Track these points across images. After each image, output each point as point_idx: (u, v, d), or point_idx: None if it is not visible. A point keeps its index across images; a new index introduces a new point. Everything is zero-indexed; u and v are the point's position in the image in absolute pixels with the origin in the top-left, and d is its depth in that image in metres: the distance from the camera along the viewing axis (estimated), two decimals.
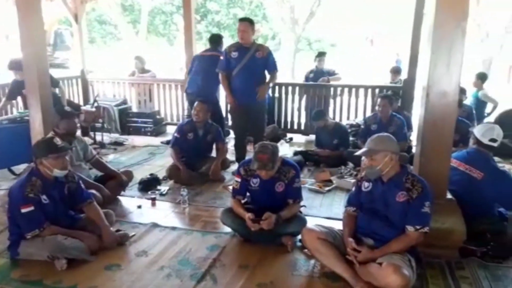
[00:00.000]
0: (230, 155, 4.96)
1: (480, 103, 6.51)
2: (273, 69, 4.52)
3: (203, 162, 4.49)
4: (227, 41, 5.02)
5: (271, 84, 4.68)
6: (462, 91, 5.77)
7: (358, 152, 2.64)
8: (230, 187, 4.21)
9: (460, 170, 3.10)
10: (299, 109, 6.81)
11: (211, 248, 2.97)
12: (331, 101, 6.64)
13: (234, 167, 4.75)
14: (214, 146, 4.67)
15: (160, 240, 3.08)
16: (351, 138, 5.61)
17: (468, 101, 6.35)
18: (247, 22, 4.36)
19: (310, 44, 26.09)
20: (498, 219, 3.07)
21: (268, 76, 4.60)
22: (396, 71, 7.57)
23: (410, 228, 2.42)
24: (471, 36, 17.96)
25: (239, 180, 3.11)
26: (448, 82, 2.63)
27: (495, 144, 3.07)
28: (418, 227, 2.41)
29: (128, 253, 2.90)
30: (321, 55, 7.19)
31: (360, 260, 2.46)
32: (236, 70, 4.42)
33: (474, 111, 5.96)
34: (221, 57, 4.53)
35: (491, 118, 6.19)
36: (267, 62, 4.45)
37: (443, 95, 2.67)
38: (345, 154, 4.96)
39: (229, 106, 4.73)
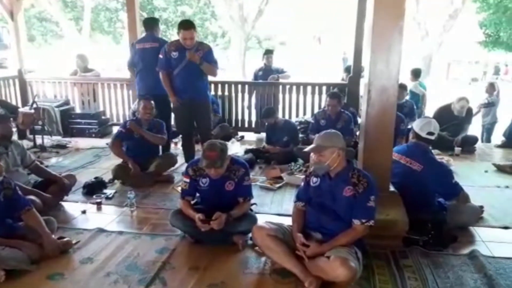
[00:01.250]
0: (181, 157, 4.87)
1: (414, 97, 6.90)
2: (211, 62, 4.40)
3: (151, 161, 4.38)
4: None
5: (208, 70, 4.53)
6: (403, 87, 6.05)
7: (307, 149, 2.69)
8: (180, 188, 4.17)
9: (401, 163, 3.23)
10: (249, 107, 6.83)
11: (161, 251, 2.90)
12: (280, 98, 6.71)
13: (184, 167, 4.69)
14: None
15: (106, 246, 2.97)
16: (300, 135, 5.71)
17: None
18: (192, 29, 4.21)
19: (260, 42, 26.31)
20: (438, 209, 3.25)
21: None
22: (349, 70, 7.81)
23: (356, 222, 2.50)
24: (412, 34, 18.83)
25: (187, 180, 3.06)
26: (388, 78, 2.73)
27: (433, 138, 3.23)
28: (364, 220, 2.49)
29: (72, 261, 2.78)
30: (268, 52, 7.24)
31: (309, 255, 2.50)
32: (177, 70, 4.32)
33: (415, 106, 6.27)
34: (160, 55, 4.38)
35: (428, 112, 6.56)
36: (207, 58, 4.34)
37: (384, 91, 2.77)
38: (295, 150, 5.04)
39: (172, 105, 4.57)
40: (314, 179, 2.70)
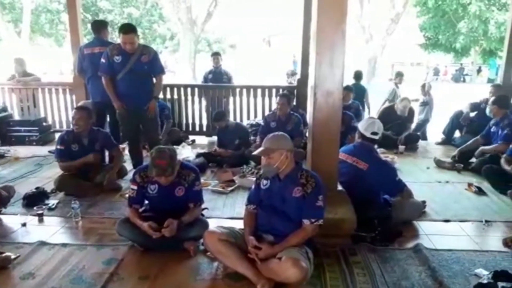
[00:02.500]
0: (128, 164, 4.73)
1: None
2: (159, 72, 4.34)
3: (97, 171, 4.19)
4: None
5: (160, 94, 4.51)
6: (350, 89, 6.25)
7: (256, 152, 2.69)
8: (128, 196, 4.04)
9: (348, 163, 3.33)
10: (200, 111, 6.76)
11: (108, 262, 2.79)
12: (231, 101, 6.71)
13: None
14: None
15: (49, 260, 2.81)
16: (252, 137, 5.73)
17: None
18: (132, 34, 4.07)
19: (210, 45, 26.18)
20: (384, 206, 3.37)
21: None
22: (292, 74, 8.01)
23: (306, 222, 2.54)
24: (357, 37, 19.54)
25: (135, 188, 2.97)
26: (332, 81, 2.79)
27: (377, 137, 3.35)
28: (313, 220, 2.53)
29: (11, 277, 2.60)
30: (215, 54, 7.26)
31: (261, 257, 2.50)
32: (120, 74, 4.18)
33: (360, 107, 6.50)
34: (103, 60, 4.22)
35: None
36: (153, 65, 4.25)
37: (329, 94, 2.82)
38: (246, 153, 5.04)
39: (117, 111, 4.40)
40: (265, 182, 2.72)
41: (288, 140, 2.65)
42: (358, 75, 7.56)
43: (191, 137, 6.50)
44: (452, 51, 23.47)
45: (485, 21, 19.31)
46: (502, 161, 4.31)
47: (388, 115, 6.14)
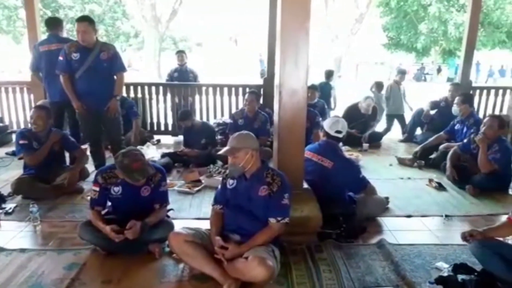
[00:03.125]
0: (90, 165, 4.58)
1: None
2: (120, 70, 4.20)
3: (57, 173, 4.03)
4: None
5: (120, 94, 4.38)
6: (315, 88, 6.32)
7: (221, 151, 2.68)
8: (89, 198, 3.92)
9: (313, 161, 3.37)
10: (165, 110, 6.66)
11: (69, 267, 2.69)
12: (197, 99, 6.64)
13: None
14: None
15: (6, 266, 2.69)
16: (218, 137, 5.70)
17: None
18: (85, 22, 3.93)
19: (175, 43, 25.86)
20: (348, 203, 3.42)
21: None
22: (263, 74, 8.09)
23: (272, 220, 2.54)
24: (323, 36, 19.80)
25: (97, 189, 2.88)
26: (297, 80, 2.80)
27: (341, 136, 3.41)
28: (279, 218, 2.54)
29: None
30: (179, 52, 7.15)
31: (228, 257, 2.49)
32: (79, 72, 4.01)
33: (326, 106, 6.59)
34: (60, 57, 4.05)
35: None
36: (113, 63, 4.12)
37: (294, 93, 2.84)
38: (213, 152, 5.00)
39: (76, 111, 4.23)
40: (231, 181, 2.71)
41: (253, 139, 2.65)
42: (329, 74, 7.64)
43: (156, 137, 6.38)
44: (414, 51, 24.23)
45: (445, 22, 20.03)
46: (450, 153, 4.46)
47: (352, 114, 6.26)
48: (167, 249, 2.86)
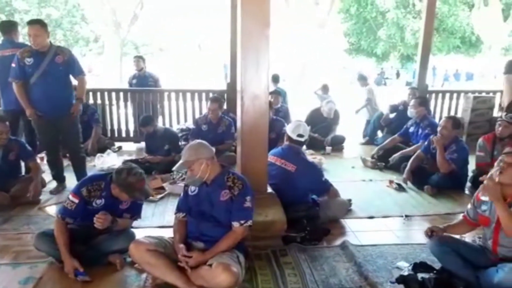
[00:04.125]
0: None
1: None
2: (79, 73, 4.06)
3: (12, 183, 3.86)
4: None
5: (84, 97, 4.26)
6: (278, 93, 6.39)
7: (175, 167, 2.65)
8: (48, 208, 3.78)
9: (276, 165, 3.39)
10: (126, 116, 6.51)
11: (25, 281, 2.58)
12: (159, 105, 6.54)
13: (51, 185, 4.26)
14: None
15: None
16: (182, 142, 5.63)
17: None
18: (37, 25, 3.78)
19: (137, 48, 25.42)
20: (312, 206, 3.45)
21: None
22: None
23: (235, 224, 2.53)
24: (286, 42, 20.02)
25: (76, 201, 2.70)
26: (258, 85, 2.82)
27: (302, 139, 3.45)
28: (242, 221, 2.52)
29: None
30: (136, 57, 7.03)
31: (191, 265, 2.45)
32: (33, 78, 3.83)
33: (289, 110, 6.65)
34: (13, 64, 3.86)
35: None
36: (71, 67, 3.97)
37: (256, 98, 2.85)
38: (176, 159, 4.93)
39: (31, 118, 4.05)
40: (192, 188, 2.68)
41: (206, 147, 2.61)
42: (275, 78, 7.65)
43: (117, 144, 6.23)
44: (374, 56, 24.95)
45: (402, 28, 20.74)
46: (414, 156, 4.62)
47: (315, 118, 6.36)
48: (128, 259, 2.78)
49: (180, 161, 2.61)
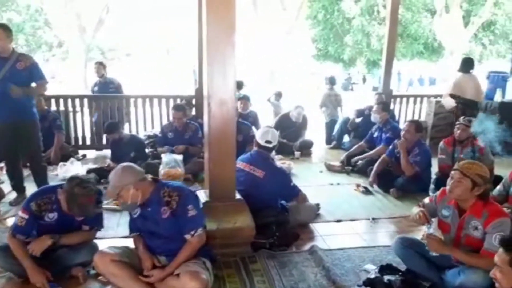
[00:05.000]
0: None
1: None
2: (40, 79, 3.91)
3: None
4: None
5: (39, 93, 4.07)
6: (247, 98, 6.39)
7: (105, 197, 2.55)
8: (7, 220, 3.62)
9: (245, 171, 3.37)
10: (90, 123, 6.34)
11: None
12: (125, 111, 6.41)
13: (11, 196, 4.09)
14: None
15: None
16: (150, 149, 5.53)
17: None
18: (0, 29, 3.64)
19: (103, 53, 24.91)
20: (281, 211, 3.45)
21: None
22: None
23: (187, 236, 2.46)
24: (254, 48, 20.13)
25: (26, 217, 2.57)
26: (225, 91, 2.81)
27: (270, 145, 3.45)
28: (192, 232, 2.45)
29: None
30: (97, 64, 6.82)
31: (154, 281, 2.43)
32: None
33: (258, 116, 6.66)
34: None
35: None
36: (32, 73, 3.82)
37: (222, 103, 2.83)
38: (143, 166, 4.83)
39: None
40: (136, 209, 2.56)
41: (130, 172, 2.45)
42: (238, 85, 7.65)
43: (81, 152, 6.04)
44: (341, 61, 25.41)
45: (368, 35, 21.24)
46: (379, 160, 4.72)
47: (284, 123, 6.39)
48: (92, 272, 2.70)
49: (108, 189, 2.50)
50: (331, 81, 7.79)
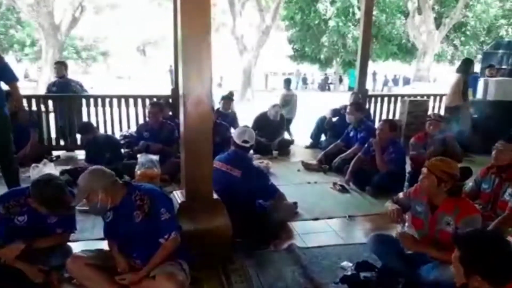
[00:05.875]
0: None
1: None
2: (12, 79, 3.82)
3: None
4: None
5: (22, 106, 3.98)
6: (229, 98, 6.39)
7: (75, 201, 2.47)
8: None
9: (222, 171, 3.36)
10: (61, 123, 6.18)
11: None
12: (101, 111, 6.28)
13: None
14: None
15: None
16: (126, 149, 5.45)
17: None
18: None
19: (78, 52, 24.46)
20: (259, 210, 3.47)
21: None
22: None
23: (161, 240, 2.41)
24: (233, 48, 20.09)
25: None
26: (201, 90, 2.77)
27: (248, 145, 3.45)
28: (166, 236, 2.40)
29: None
30: (57, 63, 6.68)
31: (130, 283, 2.39)
32: None
33: (237, 116, 6.65)
34: None
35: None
36: (3, 73, 3.73)
37: (199, 103, 2.80)
38: (119, 167, 4.75)
39: None
40: (108, 214, 2.51)
41: (99, 175, 2.40)
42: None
43: (54, 153, 5.90)
44: (317, 62, 25.67)
45: (343, 35, 21.52)
46: (355, 159, 4.79)
47: (261, 122, 6.40)
48: (66, 275, 2.63)
49: (76, 193, 2.45)
50: (288, 83, 8.43)
